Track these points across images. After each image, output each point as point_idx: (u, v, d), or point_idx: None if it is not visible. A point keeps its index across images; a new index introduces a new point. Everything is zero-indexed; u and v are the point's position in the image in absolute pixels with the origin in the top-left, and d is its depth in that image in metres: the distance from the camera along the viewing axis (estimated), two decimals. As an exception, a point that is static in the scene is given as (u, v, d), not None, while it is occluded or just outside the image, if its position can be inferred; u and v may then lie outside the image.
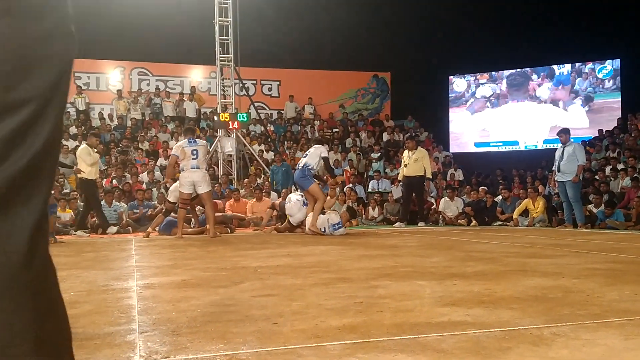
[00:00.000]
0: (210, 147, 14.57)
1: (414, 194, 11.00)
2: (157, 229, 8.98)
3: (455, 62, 20.06)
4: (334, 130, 18.25)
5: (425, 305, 2.48)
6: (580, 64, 18.89)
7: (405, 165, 10.76)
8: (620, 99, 18.20)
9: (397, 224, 10.76)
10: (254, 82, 19.66)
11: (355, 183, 13.58)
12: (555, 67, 19.22)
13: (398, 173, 12.09)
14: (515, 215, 10.86)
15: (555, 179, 9.81)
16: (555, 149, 10.15)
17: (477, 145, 20.10)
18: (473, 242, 6.40)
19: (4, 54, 0.74)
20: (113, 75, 18.59)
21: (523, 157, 17.95)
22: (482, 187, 12.31)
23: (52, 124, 0.79)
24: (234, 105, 14.85)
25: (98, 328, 2.15)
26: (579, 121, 18.37)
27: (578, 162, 9.45)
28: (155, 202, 11.25)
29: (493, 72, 20.00)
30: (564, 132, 9.88)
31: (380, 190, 13.53)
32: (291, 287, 3.08)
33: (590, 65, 18.76)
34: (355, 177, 14.11)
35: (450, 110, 20.49)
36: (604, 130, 16.10)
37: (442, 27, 19.38)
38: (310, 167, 8.25)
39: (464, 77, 20.45)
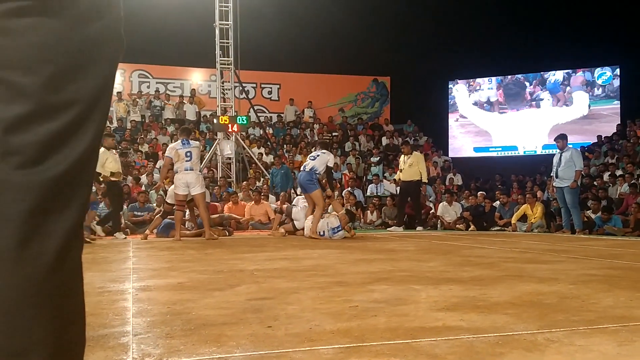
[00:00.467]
0: (209, 150, 14.60)
1: (409, 199, 11.03)
2: (154, 231, 8.98)
3: (455, 68, 20.11)
4: (334, 133, 18.28)
5: (420, 309, 2.48)
6: (578, 70, 18.93)
7: (401, 171, 10.81)
8: (619, 105, 18.25)
9: (393, 227, 10.83)
10: (254, 85, 19.70)
11: (354, 187, 13.58)
12: (552, 73, 19.27)
13: (394, 178, 12.18)
14: (513, 220, 10.87)
15: (554, 184, 9.81)
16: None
17: (476, 150, 20.13)
18: (471, 247, 6.39)
19: (56, 54, 0.71)
20: (113, 77, 18.61)
21: (522, 162, 17.98)
22: (481, 192, 12.31)
23: (95, 130, 0.76)
24: (233, 108, 14.87)
25: (92, 330, 2.14)
26: (577, 127, 18.40)
27: (576, 167, 9.43)
28: (154, 204, 11.23)
29: (492, 78, 20.04)
30: (561, 138, 9.85)
31: (378, 194, 13.54)
32: (287, 290, 3.08)
33: (588, 72, 18.81)
34: (354, 181, 14.12)
35: (450, 115, 20.53)
36: (602, 137, 16.14)
37: (442, 32, 19.44)
38: (317, 172, 8.30)
39: (464, 82, 20.49)
